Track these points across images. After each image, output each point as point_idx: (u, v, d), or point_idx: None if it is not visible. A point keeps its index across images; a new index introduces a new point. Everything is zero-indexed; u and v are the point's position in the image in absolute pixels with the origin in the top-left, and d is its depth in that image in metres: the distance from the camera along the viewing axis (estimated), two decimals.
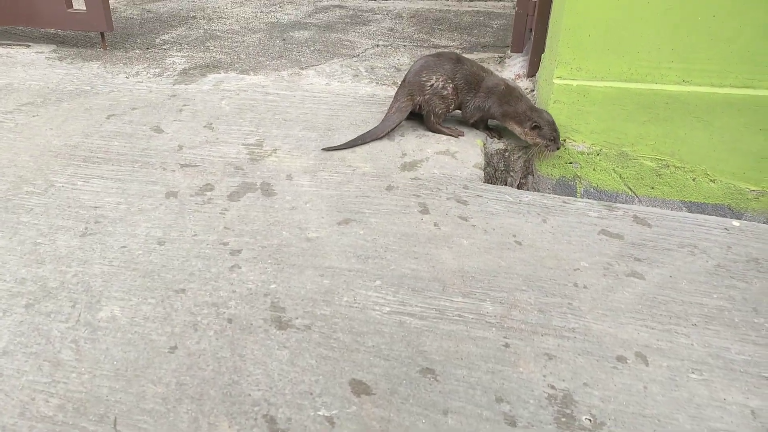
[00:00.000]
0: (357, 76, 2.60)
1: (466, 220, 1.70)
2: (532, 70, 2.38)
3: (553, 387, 1.19)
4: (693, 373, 1.22)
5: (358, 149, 2.05)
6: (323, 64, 2.72)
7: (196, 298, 1.41)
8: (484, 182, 1.93)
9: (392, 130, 2.09)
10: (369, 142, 2.06)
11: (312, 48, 2.92)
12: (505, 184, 2.14)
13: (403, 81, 2.09)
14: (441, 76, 2.03)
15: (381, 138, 2.09)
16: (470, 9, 3.56)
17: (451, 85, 2.03)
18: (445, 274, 1.49)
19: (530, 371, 1.23)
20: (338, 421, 1.12)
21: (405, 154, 2.02)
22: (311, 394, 1.18)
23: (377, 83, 2.51)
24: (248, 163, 1.97)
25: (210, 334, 1.31)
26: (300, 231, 1.65)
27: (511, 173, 2.11)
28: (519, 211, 1.76)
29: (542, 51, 2.27)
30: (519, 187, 2.13)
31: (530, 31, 2.47)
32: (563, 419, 1.12)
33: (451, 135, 2.10)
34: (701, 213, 1.96)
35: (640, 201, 2.01)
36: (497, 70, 2.60)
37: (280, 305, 1.40)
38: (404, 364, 1.24)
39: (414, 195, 1.80)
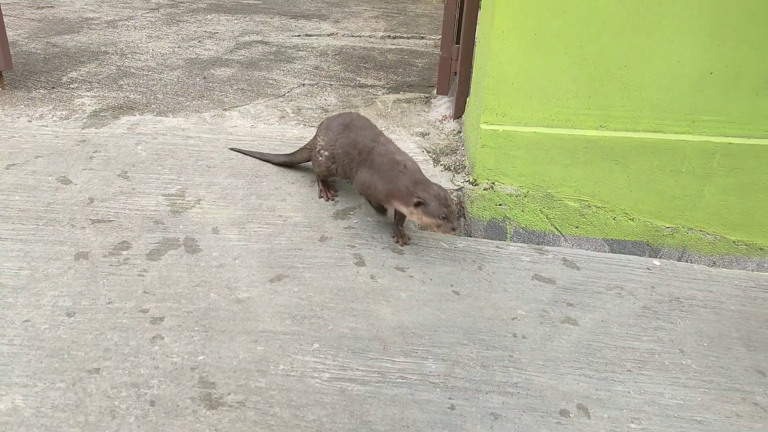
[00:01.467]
0: (284, 117, 2.53)
1: (403, 271, 1.67)
2: (458, 112, 2.42)
3: None
4: (632, 422, 1.25)
5: (288, 198, 1.97)
6: (248, 105, 2.63)
7: (113, 378, 1.28)
8: (420, 229, 1.92)
9: (290, 164, 2.16)
10: (275, 163, 2.17)
11: (235, 87, 2.83)
12: None
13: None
14: (323, 139, 1.94)
15: (312, 184, 2.04)
16: (394, 47, 3.62)
17: (326, 153, 1.91)
18: (385, 332, 1.44)
19: None
20: None
21: (337, 202, 1.97)
22: None
23: (305, 125, 2.46)
24: (169, 216, 1.85)
25: (131, 421, 1.19)
26: (229, 291, 1.55)
27: None
28: (455, 258, 1.76)
29: (467, 94, 2.32)
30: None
31: (455, 74, 2.53)
32: None
33: (322, 196, 1.99)
34: (622, 249, 2.05)
35: (566, 240, 2.07)
36: (424, 110, 2.63)
37: (210, 380, 1.29)
38: None
39: (349, 246, 1.75)
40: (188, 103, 2.63)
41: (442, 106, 2.62)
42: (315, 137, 2.02)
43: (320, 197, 1.99)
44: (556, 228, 2.08)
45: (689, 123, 1.89)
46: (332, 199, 1.99)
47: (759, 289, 1.71)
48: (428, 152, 2.26)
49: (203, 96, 2.72)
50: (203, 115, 2.51)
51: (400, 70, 3.19)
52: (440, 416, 1.23)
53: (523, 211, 2.06)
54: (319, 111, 2.62)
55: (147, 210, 1.87)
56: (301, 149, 2.11)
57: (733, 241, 1.99)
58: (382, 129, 2.48)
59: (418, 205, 1.62)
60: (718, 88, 1.84)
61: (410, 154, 2.29)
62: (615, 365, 1.39)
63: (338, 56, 3.43)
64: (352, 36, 3.90)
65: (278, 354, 1.36)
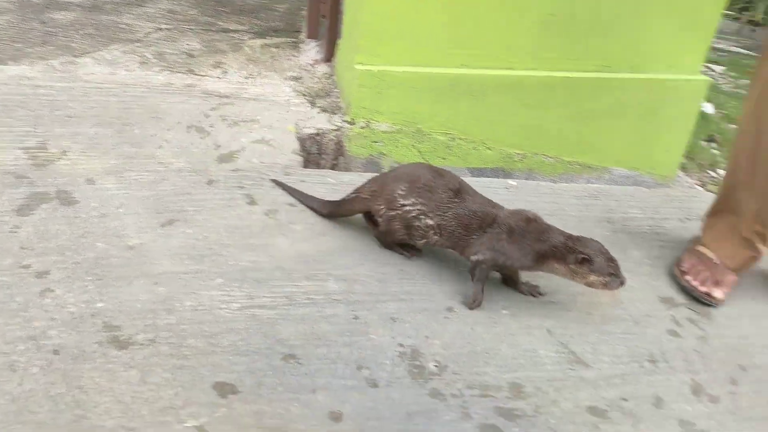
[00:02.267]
0: (145, 63, 2.39)
1: (295, 206, 1.74)
2: (329, 55, 2.49)
3: (402, 345, 1.34)
4: (504, 310, 1.49)
5: (165, 145, 1.92)
6: (101, 51, 2.43)
7: (4, 335, 1.21)
8: (303, 167, 1.99)
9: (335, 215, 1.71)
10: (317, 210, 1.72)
11: (82, 32, 2.58)
12: (318, 167, 2.23)
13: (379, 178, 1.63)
14: (420, 202, 1.51)
15: (188, 130, 1.99)
16: None
17: (430, 222, 1.50)
18: (286, 261, 1.53)
19: (381, 336, 1.35)
20: (210, 428, 1.10)
21: (219, 146, 1.96)
22: (173, 408, 1.13)
23: (170, 71, 2.35)
24: (33, 169, 1.71)
25: (34, 372, 1.15)
26: (118, 239, 1.51)
27: (323, 156, 2.20)
28: (342, 191, 1.87)
29: (338, 37, 2.39)
30: (332, 168, 2.24)
31: (323, 17, 2.57)
32: (415, 370, 1.28)
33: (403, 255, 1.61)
34: (482, 175, 2.32)
35: None
36: (294, 55, 2.65)
37: (114, 323, 1.28)
38: (265, 356, 1.26)
39: (238, 187, 1.78)
40: (29, 50, 2.36)
41: (312, 50, 2.66)
42: (391, 190, 1.53)
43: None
44: (426, 160, 2.28)
45: (534, 60, 2.17)
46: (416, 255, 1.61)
47: (590, 197, 2.06)
48: (304, 95, 2.31)
49: (46, 42, 2.45)
50: (51, 62, 2.28)
51: (262, 14, 3.13)
52: (347, 326, 1.37)
53: (396, 146, 2.23)
54: (184, 56, 2.51)
55: (5, 165, 1.70)
56: (353, 199, 1.64)
57: (569, 162, 2.35)
58: (254, 74, 2.47)
59: (582, 262, 1.41)
60: (558, 30, 2.12)
61: (286, 97, 2.33)
62: None
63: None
64: None
65: (182, 292, 1.39)
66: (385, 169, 2.26)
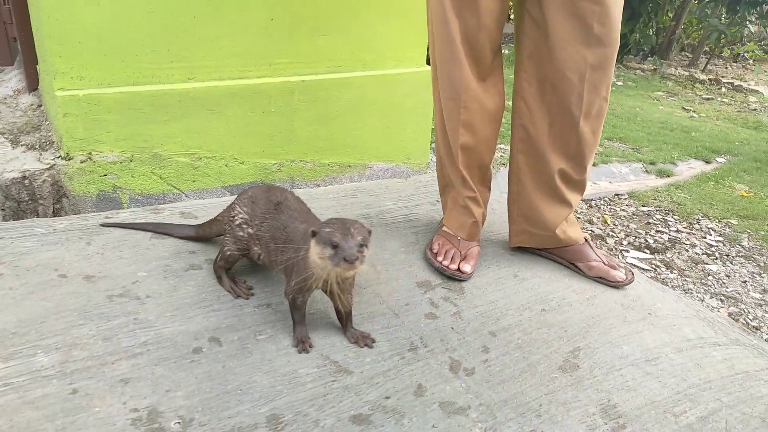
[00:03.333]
0: None
1: None
2: (32, 83, 2.11)
3: (135, 410, 1.13)
4: (260, 335, 1.37)
5: None
6: None
7: None
8: (6, 220, 1.64)
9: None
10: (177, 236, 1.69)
11: None
12: (38, 215, 1.87)
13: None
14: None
15: None
16: None
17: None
18: None
19: (108, 405, 1.13)
20: None
21: None
22: None
23: None
24: None
25: None
26: None
27: (41, 201, 1.85)
28: (56, 241, 1.57)
29: (37, 61, 2.03)
30: (55, 213, 1.89)
31: (15, 40, 2.17)
32: None
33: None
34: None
35: (187, 195, 2.08)
36: None
37: None
38: None
39: None
40: None
41: (12, 80, 2.23)
42: (230, 207, 1.51)
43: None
44: (174, 186, 2.06)
45: (267, 66, 2.09)
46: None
47: (348, 196, 2.07)
48: (2, 134, 1.92)
49: None
50: None
51: None
52: (61, 405, 1.11)
53: (133, 176, 1.97)
54: None
55: None
56: (212, 221, 1.61)
57: (328, 164, 2.33)
58: None
59: (312, 236, 1.23)
60: (283, 33, 2.07)
61: None
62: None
63: None
64: None
65: None
66: (126, 206, 1.99)
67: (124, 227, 1.69)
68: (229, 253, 1.47)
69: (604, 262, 1.75)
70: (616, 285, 1.73)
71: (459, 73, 1.60)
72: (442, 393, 1.28)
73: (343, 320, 1.40)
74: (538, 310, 1.60)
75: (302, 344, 1.34)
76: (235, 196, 1.53)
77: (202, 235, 1.66)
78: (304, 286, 1.29)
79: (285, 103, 2.14)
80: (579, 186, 1.72)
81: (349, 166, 2.40)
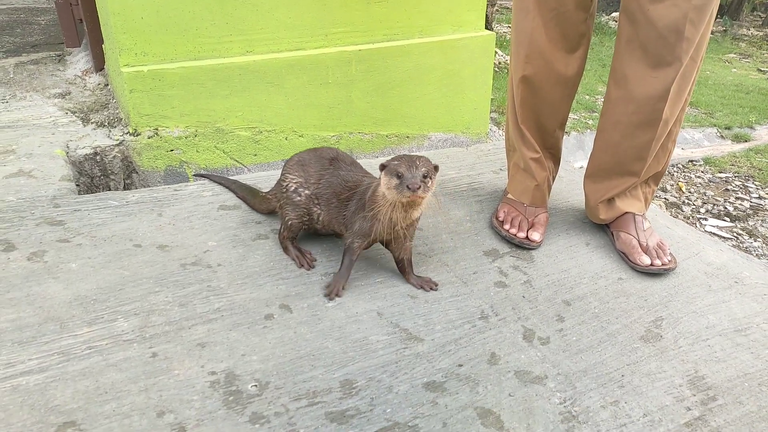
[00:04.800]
0: None
1: (68, 242, 1.45)
2: (99, 63, 2.16)
3: (213, 372, 1.14)
4: (329, 302, 1.36)
5: None
6: None
7: None
8: (82, 194, 1.69)
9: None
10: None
11: None
12: (109, 190, 1.93)
13: None
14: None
15: None
16: (5, 7, 2.99)
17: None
18: (59, 310, 1.25)
19: (187, 368, 1.15)
20: None
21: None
22: None
23: None
24: None
25: None
26: None
27: (112, 177, 1.91)
28: (129, 212, 1.61)
29: (102, 41, 2.08)
30: (126, 188, 1.95)
31: (80, 21, 2.23)
32: (231, 398, 1.10)
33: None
34: None
35: (249, 170, 2.10)
36: (59, 69, 2.27)
37: None
38: None
39: None
40: None
41: (80, 61, 2.31)
42: (278, 181, 1.54)
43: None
44: (236, 160, 2.08)
45: (323, 37, 2.06)
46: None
47: None
48: (73, 113, 1.98)
49: None
50: None
51: (18, 30, 2.68)
52: (142, 368, 1.14)
53: (197, 151, 2.00)
54: None
55: None
56: (262, 197, 1.65)
57: (386, 135, 2.30)
58: (6, 98, 2.08)
59: (381, 169, 1.27)
60: (337, 2, 2.03)
61: (51, 119, 1.98)
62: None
63: None
64: None
65: None
66: (192, 180, 2.02)
67: (212, 180, 1.79)
68: (290, 222, 1.48)
69: (639, 241, 1.58)
70: (635, 267, 1.55)
71: (527, 23, 1.53)
72: (517, 362, 1.24)
73: (405, 268, 1.43)
74: (614, 279, 1.52)
75: (336, 294, 1.36)
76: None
77: (254, 208, 1.66)
78: (369, 230, 1.33)
79: (343, 74, 2.11)
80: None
81: (408, 137, 2.36)
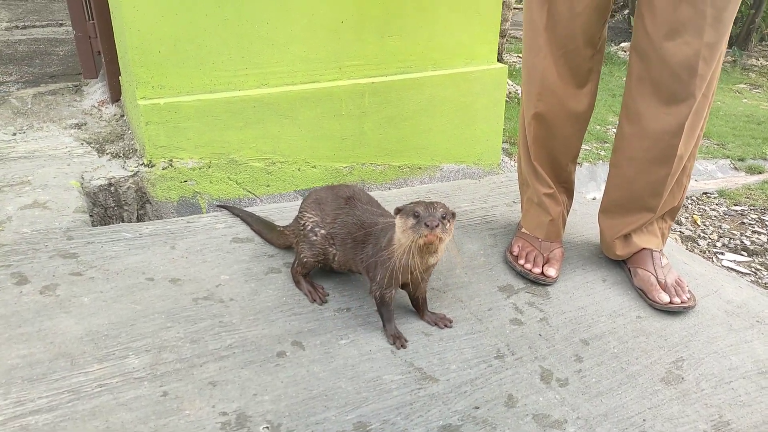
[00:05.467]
0: None
1: (81, 275, 1.45)
2: (115, 94, 2.19)
3: (224, 413, 1.12)
4: (341, 339, 1.34)
5: None
6: None
7: None
8: (95, 226, 1.69)
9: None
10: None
11: None
12: (122, 221, 1.93)
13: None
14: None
15: None
16: (25, 37, 3.06)
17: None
18: (70, 345, 1.24)
19: (198, 408, 1.13)
20: None
21: None
22: None
23: None
24: None
25: None
26: None
27: (125, 208, 1.91)
28: (142, 245, 1.61)
29: (119, 73, 2.11)
30: (139, 219, 1.95)
31: (99, 53, 2.27)
32: None
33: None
34: None
35: (261, 200, 2.10)
36: (76, 100, 2.31)
37: None
38: None
39: (3, 266, 1.44)
40: None
41: (97, 92, 2.34)
42: (296, 219, 1.53)
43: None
44: (249, 191, 2.08)
45: (337, 69, 2.08)
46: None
47: (420, 198, 2.01)
48: (89, 143, 2.00)
49: None
50: None
51: (37, 61, 2.73)
52: (153, 407, 1.12)
53: (211, 181, 2.00)
54: None
55: None
56: (280, 232, 1.63)
57: (398, 166, 2.30)
58: (24, 128, 2.11)
59: (396, 213, 1.26)
60: (351, 36, 2.06)
61: (66, 149, 2.00)
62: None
63: None
64: None
65: None
66: (205, 211, 2.03)
67: (233, 212, 1.81)
68: (306, 260, 1.47)
69: (657, 278, 1.55)
70: (654, 305, 1.51)
71: (537, 61, 1.53)
72: (535, 404, 1.21)
73: (419, 305, 1.42)
74: (632, 317, 1.49)
75: (398, 340, 1.33)
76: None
77: (270, 242, 1.66)
78: (391, 279, 1.29)
79: (356, 106, 2.12)
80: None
81: (420, 168, 2.36)
